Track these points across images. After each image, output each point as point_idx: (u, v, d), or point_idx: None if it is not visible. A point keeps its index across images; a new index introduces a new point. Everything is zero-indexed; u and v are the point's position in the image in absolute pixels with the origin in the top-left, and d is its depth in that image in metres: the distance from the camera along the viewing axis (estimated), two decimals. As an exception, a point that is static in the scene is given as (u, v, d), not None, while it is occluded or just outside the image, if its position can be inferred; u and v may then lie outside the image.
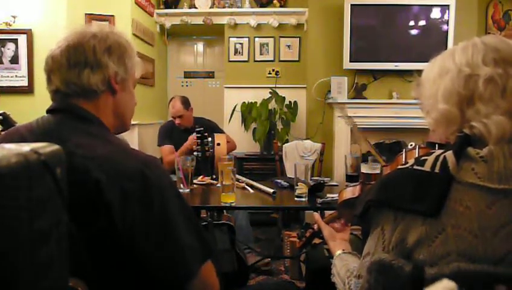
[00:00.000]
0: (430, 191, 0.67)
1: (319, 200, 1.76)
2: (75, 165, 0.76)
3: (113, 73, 0.90)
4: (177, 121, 2.96)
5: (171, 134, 3.00)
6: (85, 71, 0.87)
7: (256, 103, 4.03)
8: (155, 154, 1.96)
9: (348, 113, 3.51)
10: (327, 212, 1.37)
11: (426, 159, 0.71)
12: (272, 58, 4.28)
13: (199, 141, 2.21)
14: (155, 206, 0.79)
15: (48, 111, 0.90)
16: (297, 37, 4.23)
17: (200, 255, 0.84)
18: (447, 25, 3.38)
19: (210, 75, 4.94)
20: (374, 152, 1.49)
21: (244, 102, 4.09)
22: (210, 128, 2.78)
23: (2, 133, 0.98)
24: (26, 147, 0.49)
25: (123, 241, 0.77)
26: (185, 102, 2.98)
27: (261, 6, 4.23)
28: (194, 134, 2.26)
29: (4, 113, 1.50)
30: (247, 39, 4.28)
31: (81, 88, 0.88)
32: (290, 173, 2.91)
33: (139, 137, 3.55)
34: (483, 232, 0.63)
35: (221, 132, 3.02)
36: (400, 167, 0.75)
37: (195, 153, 2.23)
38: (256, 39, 4.27)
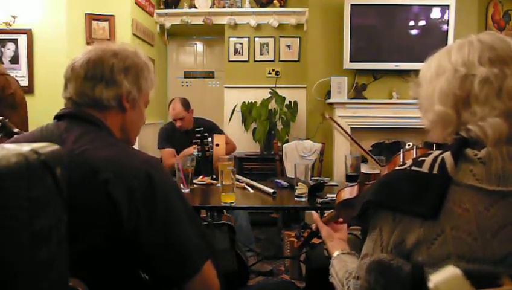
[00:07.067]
0: (428, 192, 0.66)
1: (319, 200, 1.76)
2: (84, 167, 0.78)
3: (126, 92, 0.94)
4: (178, 124, 2.91)
5: (172, 137, 2.96)
6: (99, 85, 0.92)
7: (256, 103, 4.03)
8: (155, 155, 1.96)
9: (347, 113, 3.51)
10: (327, 212, 1.37)
11: (424, 160, 0.70)
12: (272, 58, 4.28)
13: (199, 141, 2.21)
14: (160, 204, 0.81)
15: (56, 116, 0.93)
16: (297, 37, 4.23)
17: (204, 251, 0.86)
18: (447, 25, 3.38)
19: (210, 75, 4.94)
20: (367, 155, 1.48)
21: (244, 102, 4.09)
22: (209, 128, 2.77)
23: (9, 140, 0.99)
24: (26, 147, 0.50)
25: (128, 240, 0.78)
26: (186, 104, 2.93)
27: (261, 6, 4.23)
28: (195, 148, 2.26)
29: (2, 119, 1.49)
30: (247, 39, 4.28)
31: (92, 100, 0.92)
32: (290, 173, 2.91)
33: (139, 137, 3.54)
34: (482, 234, 0.63)
35: (220, 132, 3.00)
36: (397, 167, 0.75)
37: (195, 153, 2.23)
38: (256, 39, 4.27)
